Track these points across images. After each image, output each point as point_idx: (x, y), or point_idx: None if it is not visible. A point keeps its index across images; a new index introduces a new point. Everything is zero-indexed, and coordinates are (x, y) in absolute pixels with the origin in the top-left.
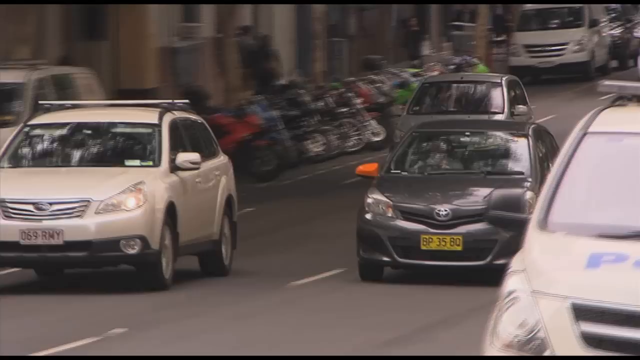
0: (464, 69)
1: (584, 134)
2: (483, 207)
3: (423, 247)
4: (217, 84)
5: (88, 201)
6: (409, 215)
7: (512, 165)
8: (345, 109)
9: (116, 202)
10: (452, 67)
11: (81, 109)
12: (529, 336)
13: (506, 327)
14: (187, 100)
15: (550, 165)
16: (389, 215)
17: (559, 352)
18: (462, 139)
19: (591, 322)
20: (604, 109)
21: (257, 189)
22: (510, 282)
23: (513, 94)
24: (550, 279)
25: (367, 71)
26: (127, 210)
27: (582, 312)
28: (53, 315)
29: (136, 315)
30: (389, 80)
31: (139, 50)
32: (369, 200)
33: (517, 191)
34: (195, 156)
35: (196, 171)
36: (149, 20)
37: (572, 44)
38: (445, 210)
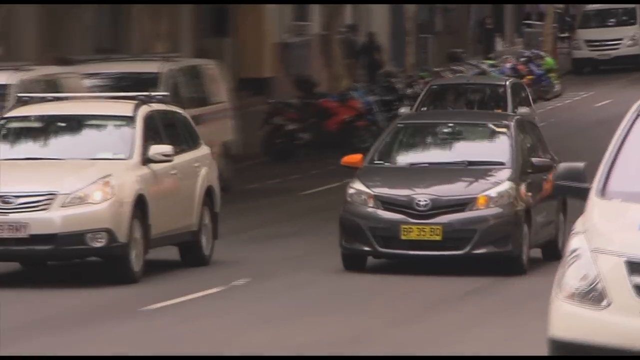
0: (534, 61)
1: (638, 115)
2: (463, 196)
3: (403, 237)
4: (324, 73)
5: (54, 194)
6: (389, 205)
7: (494, 156)
8: None
9: (83, 195)
10: (523, 59)
11: (59, 102)
12: (589, 288)
13: (569, 281)
14: (166, 93)
15: (540, 155)
16: (370, 205)
17: (615, 302)
18: (445, 130)
19: None
20: None
21: None
22: (573, 242)
23: (517, 96)
24: (607, 239)
25: (450, 63)
26: (93, 204)
27: (635, 267)
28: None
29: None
30: (469, 71)
31: (258, 45)
32: (351, 191)
33: (579, 164)
34: (167, 148)
35: (171, 163)
36: (266, 19)
37: (626, 39)
38: (425, 201)
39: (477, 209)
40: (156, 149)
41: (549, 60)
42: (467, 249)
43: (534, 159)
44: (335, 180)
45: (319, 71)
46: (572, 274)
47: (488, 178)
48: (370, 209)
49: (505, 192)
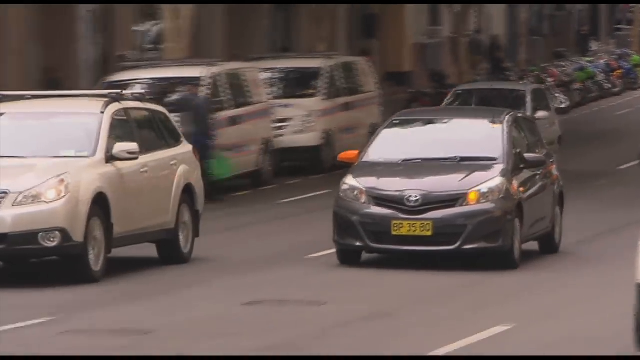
0: (623, 58)
1: None
2: (454, 192)
3: (394, 233)
4: (452, 68)
5: (5, 193)
6: (380, 201)
7: (486, 151)
8: (542, 85)
9: (35, 193)
10: (614, 56)
11: (30, 100)
12: None
13: None
14: (143, 92)
15: (537, 150)
16: (362, 201)
17: None
18: (438, 126)
19: None
20: None
21: None
22: None
23: (537, 101)
24: None
25: (555, 60)
26: (46, 202)
27: None
28: None
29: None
30: (571, 66)
31: (399, 46)
32: (344, 187)
33: None
34: (132, 146)
35: (142, 161)
36: (406, 24)
37: None
38: (416, 196)
39: (467, 205)
40: (121, 147)
41: (635, 57)
42: (457, 245)
43: (526, 155)
44: None
45: (448, 66)
46: None
47: (479, 173)
48: (362, 205)
49: (496, 188)
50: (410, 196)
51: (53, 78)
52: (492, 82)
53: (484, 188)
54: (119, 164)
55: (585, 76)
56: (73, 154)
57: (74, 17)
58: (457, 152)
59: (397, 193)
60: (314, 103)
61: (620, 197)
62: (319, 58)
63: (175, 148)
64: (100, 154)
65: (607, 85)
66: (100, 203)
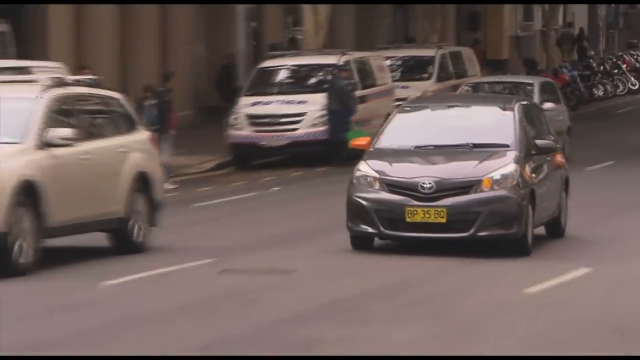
0: None
1: None
2: (468, 179)
3: (408, 219)
4: (542, 56)
5: None
6: (394, 188)
7: (498, 138)
8: (616, 71)
9: None
10: None
11: None
12: None
13: None
14: (96, 77)
15: (544, 137)
16: (376, 187)
17: None
18: (450, 113)
19: None
20: None
21: None
22: None
23: (545, 94)
24: None
25: (629, 49)
26: None
27: None
28: None
29: None
30: None
31: (499, 37)
32: (357, 174)
33: None
34: (66, 132)
35: (84, 148)
36: (505, 20)
37: None
38: (430, 183)
39: (481, 191)
40: (54, 132)
41: None
42: (471, 231)
43: (537, 141)
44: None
45: (539, 55)
46: None
47: (492, 160)
48: (375, 191)
49: (510, 174)
50: (424, 183)
51: (227, 64)
52: (501, 76)
53: (497, 175)
54: (55, 151)
55: None
56: (6, 140)
57: (232, 14)
58: (469, 138)
59: (411, 180)
60: (427, 85)
61: None
62: (431, 48)
63: (128, 135)
64: (32, 140)
65: None
66: (29, 191)
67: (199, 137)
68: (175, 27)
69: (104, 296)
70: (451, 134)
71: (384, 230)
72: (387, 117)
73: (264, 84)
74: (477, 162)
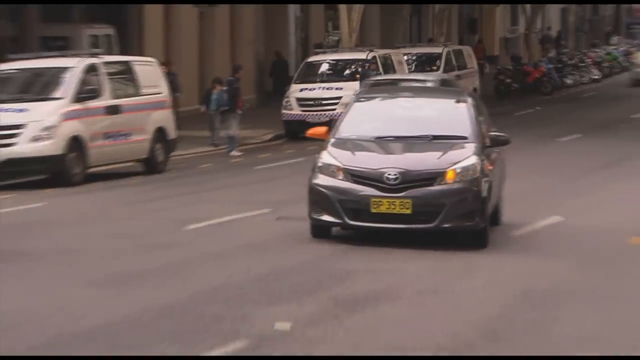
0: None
1: None
2: (432, 170)
3: (373, 210)
4: (525, 54)
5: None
6: (359, 178)
7: (456, 130)
8: (582, 64)
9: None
10: (630, 46)
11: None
12: None
13: None
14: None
15: (490, 129)
16: (340, 177)
17: None
18: (405, 105)
19: None
20: None
21: (542, 99)
22: None
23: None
24: None
25: (592, 47)
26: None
27: None
28: None
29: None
30: (602, 52)
31: (491, 38)
32: (320, 163)
33: None
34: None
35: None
36: (497, 24)
37: None
38: (395, 175)
39: (445, 183)
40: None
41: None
42: (436, 223)
43: (491, 133)
44: (530, 106)
45: (523, 52)
46: None
47: (454, 152)
48: (339, 182)
49: (472, 167)
50: (389, 174)
51: (276, 60)
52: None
53: (460, 167)
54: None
55: (612, 58)
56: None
57: (286, 17)
58: (427, 130)
59: (376, 171)
60: (437, 75)
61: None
62: (439, 46)
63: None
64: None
65: (625, 64)
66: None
67: (259, 115)
68: (242, 29)
69: (185, 238)
70: (409, 126)
71: (348, 220)
72: None
73: (310, 75)
74: (439, 154)
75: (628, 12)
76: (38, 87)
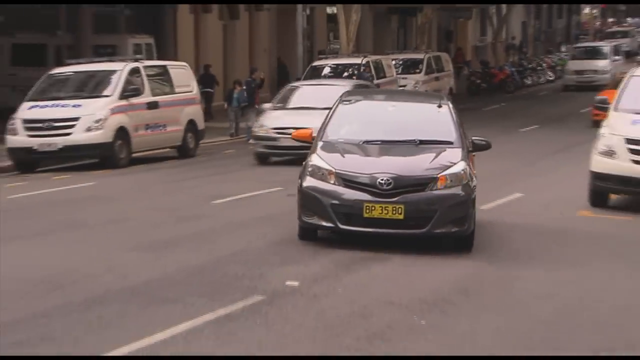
0: None
1: (631, 76)
2: (424, 176)
3: (365, 215)
4: (492, 59)
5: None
6: (351, 183)
7: (441, 135)
8: (539, 68)
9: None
10: None
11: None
12: (608, 150)
13: (599, 146)
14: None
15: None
16: (332, 182)
17: (619, 156)
18: (390, 109)
19: (633, 144)
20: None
21: (506, 97)
22: (602, 130)
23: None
24: (616, 128)
25: (547, 54)
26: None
27: (629, 141)
28: None
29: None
30: (555, 57)
31: (464, 47)
32: (310, 167)
33: (603, 97)
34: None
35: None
36: (469, 35)
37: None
38: (388, 180)
39: (437, 189)
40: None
41: None
42: (427, 228)
43: (474, 138)
44: (496, 102)
45: (490, 58)
46: (601, 143)
47: (443, 158)
48: (331, 186)
49: (462, 172)
50: (382, 179)
51: (280, 64)
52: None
53: (451, 173)
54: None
55: (563, 63)
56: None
57: (295, 28)
58: (412, 134)
59: (369, 176)
60: (419, 77)
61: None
62: (421, 53)
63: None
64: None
65: None
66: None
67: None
68: (258, 39)
69: (212, 210)
70: (395, 130)
71: (340, 225)
72: None
73: (314, 76)
74: (429, 159)
75: (577, 25)
76: (90, 86)
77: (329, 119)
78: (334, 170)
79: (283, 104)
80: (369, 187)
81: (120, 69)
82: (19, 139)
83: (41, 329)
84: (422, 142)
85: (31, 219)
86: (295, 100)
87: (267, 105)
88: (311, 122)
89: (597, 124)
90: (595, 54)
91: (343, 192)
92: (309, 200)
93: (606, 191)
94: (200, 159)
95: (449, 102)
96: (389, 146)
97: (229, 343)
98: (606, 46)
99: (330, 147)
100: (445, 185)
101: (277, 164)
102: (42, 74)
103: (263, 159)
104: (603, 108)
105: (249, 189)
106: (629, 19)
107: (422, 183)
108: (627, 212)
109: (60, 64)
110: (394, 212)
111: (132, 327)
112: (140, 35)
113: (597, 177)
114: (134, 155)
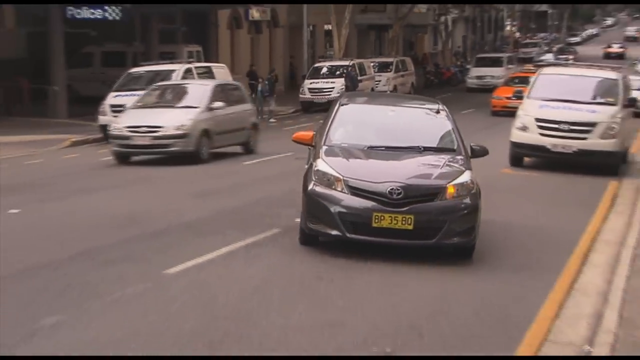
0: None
1: (539, 74)
2: (434, 185)
3: (374, 225)
4: (442, 63)
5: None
6: (359, 191)
7: (444, 142)
8: None
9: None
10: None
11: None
12: (523, 126)
13: (517, 123)
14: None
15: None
16: (339, 189)
17: (530, 130)
18: (390, 113)
19: (540, 122)
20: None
21: (452, 89)
22: (519, 112)
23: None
24: (529, 111)
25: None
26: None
27: (539, 120)
28: None
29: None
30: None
31: (422, 53)
32: (316, 172)
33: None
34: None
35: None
36: (425, 45)
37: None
38: (398, 189)
39: (446, 199)
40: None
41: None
42: (435, 239)
43: (472, 145)
44: (443, 92)
45: (441, 61)
46: (518, 121)
47: (449, 166)
48: (339, 194)
49: (470, 182)
50: (392, 188)
51: (290, 64)
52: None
53: (459, 182)
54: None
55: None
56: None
57: (302, 40)
58: (415, 140)
59: (378, 184)
60: (390, 75)
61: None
62: (391, 57)
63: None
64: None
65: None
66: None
67: (286, 98)
68: (276, 47)
69: (243, 169)
70: (397, 135)
71: (347, 234)
72: (371, 90)
73: (315, 74)
74: (436, 167)
75: (501, 38)
76: (157, 81)
77: (331, 122)
78: (341, 177)
79: (143, 103)
80: (378, 195)
81: (178, 69)
82: (106, 118)
83: (124, 251)
84: (426, 148)
85: (119, 175)
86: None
87: (128, 105)
88: (165, 120)
89: (495, 113)
90: (493, 62)
91: (351, 200)
92: (315, 207)
93: (521, 155)
94: None
95: (445, 107)
96: (394, 152)
97: (255, 263)
98: (502, 56)
99: (334, 151)
100: (454, 195)
101: (289, 135)
102: (123, 72)
103: (123, 158)
104: (519, 97)
105: (270, 154)
106: (538, 34)
107: (432, 193)
108: (536, 170)
109: (136, 65)
110: (404, 222)
111: (187, 250)
112: (192, 45)
113: (515, 145)
114: None
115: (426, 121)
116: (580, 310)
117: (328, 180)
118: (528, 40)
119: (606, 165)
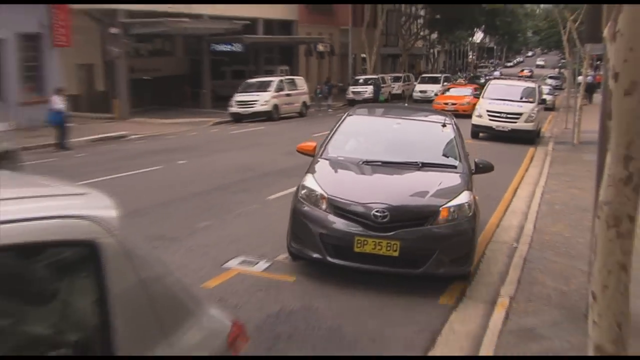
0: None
1: (489, 83)
2: (424, 209)
3: (357, 249)
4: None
5: None
6: (343, 212)
7: (445, 158)
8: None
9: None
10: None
11: (258, 78)
12: (479, 114)
13: (475, 113)
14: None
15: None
16: (323, 208)
17: (484, 117)
18: (395, 126)
19: (489, 112)
20: None
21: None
22: (476, 106)
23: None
24: (482, 106)
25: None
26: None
27: (489, 111)
28: None
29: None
30: (456, 77)
31: (419, 72)
32: (304, 190)
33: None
34: (285, 92)
35: (287, 94)
36: (422, 66)
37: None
38: (383, 212)
39: (437, 224)
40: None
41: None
42: (423, 269)
43: (477, 160)
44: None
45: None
46: (476, 112)
47: (446, 186)
48: (322, 213)
49: (466, 204)
50: (377, 211)
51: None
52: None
53: (454, 205)
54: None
55: (456, 78)
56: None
57: (347, 62)
58: (415, 155)
59: (363, 205)
60: (399, 84)
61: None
62: (401, 73)
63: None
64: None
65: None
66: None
67: (339, 97)
68: (332, 67)
69: (313, 137)
70: (397, 150)
71: (328, 257)
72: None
73: (355, 83)
74: (431, 186)
75: (466, 63)
76: (263, 87)
77: (333, 133)
78: (326, 195)
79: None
80: (362, 218)
81: (275, 80)
82: (233, 109)
83: (241, 186)
84: (424, 164)
85: (238, 141)
86: None
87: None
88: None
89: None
90: (433, 81)
91: (333, 221)
92: (298, 227)
93: (478, 132)
94: (308, 118)
95: (453, 121)
96: (389, 168)
97: None
98: (440, 76)
99: (327, 165)
100: (447, 219)
101: (330, 119)
102: (242, 82)
103: (237, 120)
104: (477, 96)
105: (323, 130)
106: (488, 60)
107: (422, 217)
108: (486, 141)
109: (250, 77)
110: (388, 249)
111: (279, 185)
112: (283, 66)
113: (474, 126)
114: (281, 115)
115: (430, 135)
116: (511, 223)
117: (314, 197)
118: (482, 64)
119: (527, 138)
